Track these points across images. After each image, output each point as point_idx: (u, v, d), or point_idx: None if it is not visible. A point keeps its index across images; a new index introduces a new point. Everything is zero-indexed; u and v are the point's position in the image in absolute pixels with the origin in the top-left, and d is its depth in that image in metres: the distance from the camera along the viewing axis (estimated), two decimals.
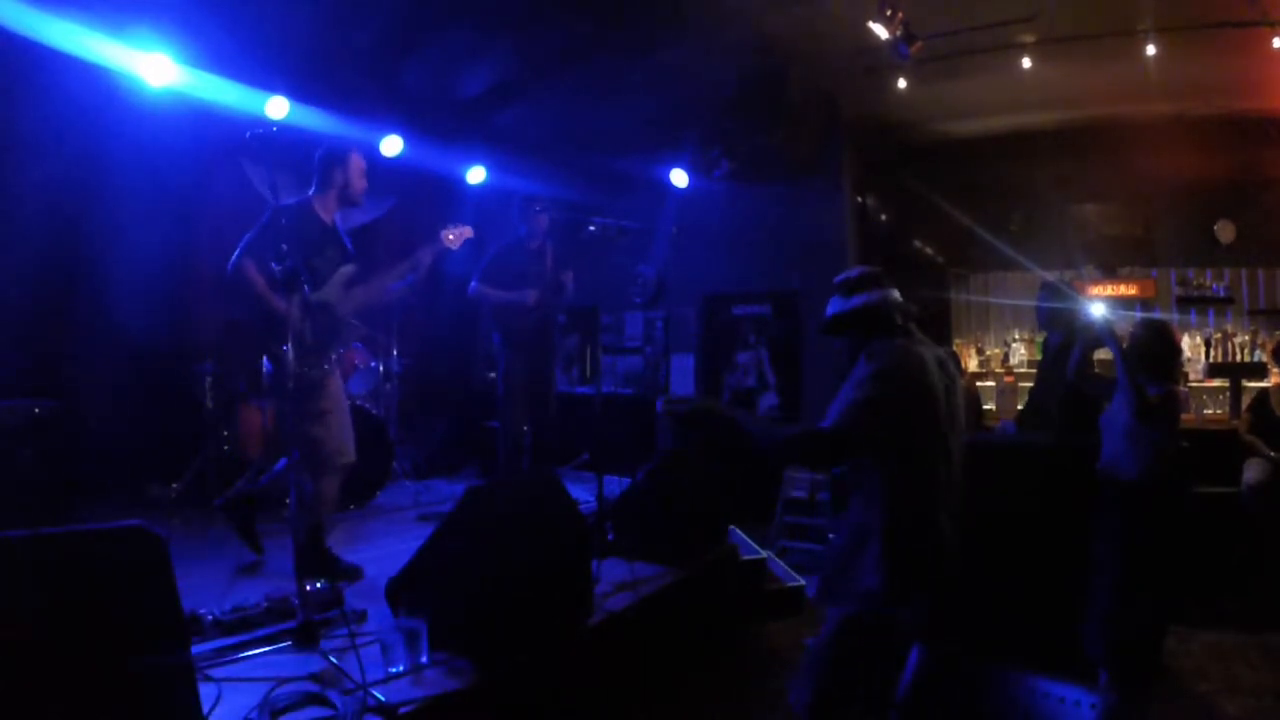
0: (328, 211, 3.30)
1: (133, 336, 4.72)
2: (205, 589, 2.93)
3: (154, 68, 3.92)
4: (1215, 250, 6.65)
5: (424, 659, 2.35)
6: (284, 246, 2.95)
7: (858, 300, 2.17)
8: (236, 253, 3.14)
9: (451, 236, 3.55)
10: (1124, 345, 3.21)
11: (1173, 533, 3.06)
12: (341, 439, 3.27)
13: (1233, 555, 4.31)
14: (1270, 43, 4.67)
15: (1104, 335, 3.33)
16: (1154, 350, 3.19)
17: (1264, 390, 5.14)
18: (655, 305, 7.44)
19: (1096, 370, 3.63)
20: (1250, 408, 5.00)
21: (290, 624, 2.53)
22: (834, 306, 2.23)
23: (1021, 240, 6.90)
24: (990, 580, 2.87)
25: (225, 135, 4.50)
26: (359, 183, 3.32)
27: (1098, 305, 3.65)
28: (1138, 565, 3.02)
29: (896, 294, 2.20)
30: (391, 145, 5.44)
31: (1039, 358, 5.13)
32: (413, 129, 5.52)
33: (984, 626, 2.75)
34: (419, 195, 6.49)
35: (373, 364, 5.63)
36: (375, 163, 5.60)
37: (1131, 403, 3.04)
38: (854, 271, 2.25)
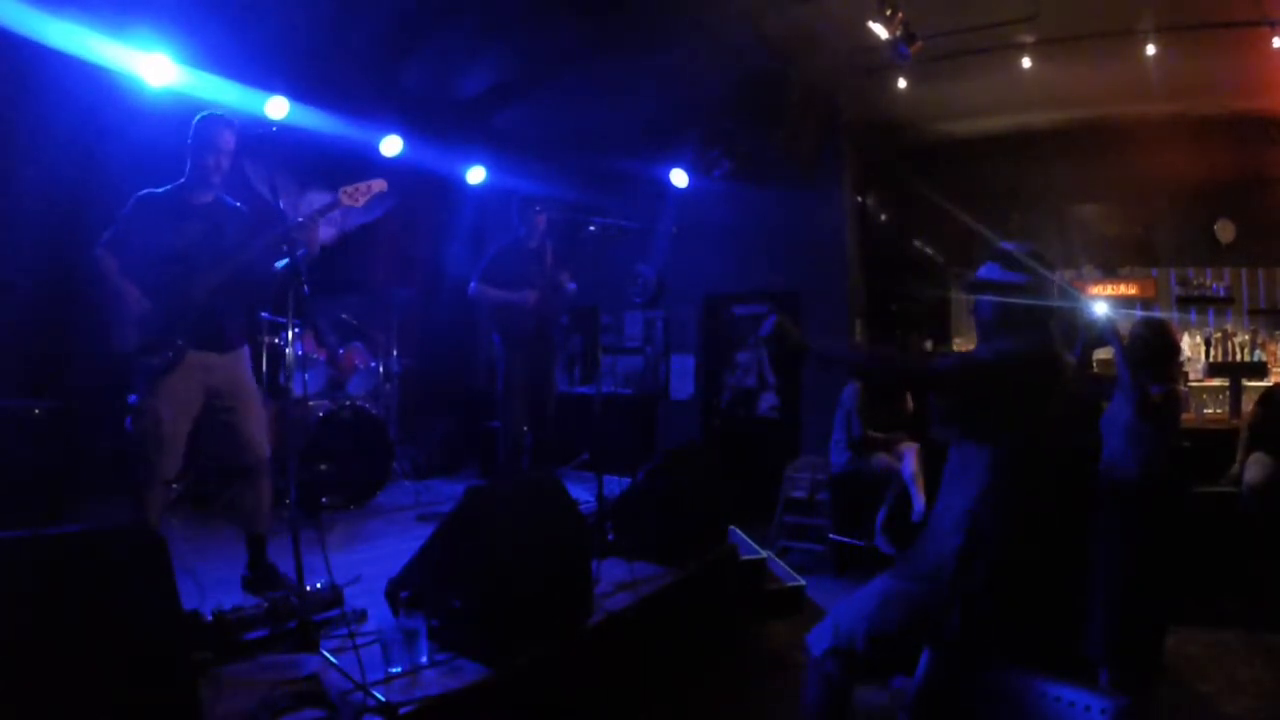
0: (201, 191, 3.09)
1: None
2: (205, 589, 2.93)
3: (154, 68, 3.92)
4: (1215, 250, 6.65)
5: (424, 659, 2.35)
6: (284, 247, 2.94)
7: (1015, 276, 2.13)
8: (97, 248, 3.02)
9: (349, 192, 3.12)
10: (1125, 344, 3.21)
11: (1173, 532, 3.06)
12: (150, 445, 2.92)
13: (1233, 555, 4.31)
14: (1270, 43, 4.68)
15: (1107, 334, 3.33)
16: (1154, 349, 3.19)
17: (1272, 387, 5.13)
18: (655, 305, 7.44)
19: (1095, 370, 3.63)
20: (1261, 401, 4.98)
21: (290, 624, 2.52)
22: (988, 271, 2.18)
23: (1021, 240, 6.89)
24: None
25: None
26: (208, 158, 3.05)
27: (1100, 304, 3.65)
28: (1138, 564, 3.02)
29: (1055, 282, 2.16)
30: (391, 145, 5.44)
31: None
32: (413, 129, 5.53)
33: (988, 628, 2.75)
34: (419, 195, 6.49)
35: (373, 364, 5.63)
36: (375, 163, 5.64)
37: (1133, 402, 3.04)
38: (1025, 246, 2.20)
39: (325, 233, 6.12)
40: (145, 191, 3.04)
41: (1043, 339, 2.08)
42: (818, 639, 2.13)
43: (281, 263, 3.08)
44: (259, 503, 3.17)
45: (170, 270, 2.98)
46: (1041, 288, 2.10)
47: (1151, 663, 3.13)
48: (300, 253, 3.05)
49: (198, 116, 3.07)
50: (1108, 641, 3.01)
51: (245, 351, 3.20)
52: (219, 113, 3.10)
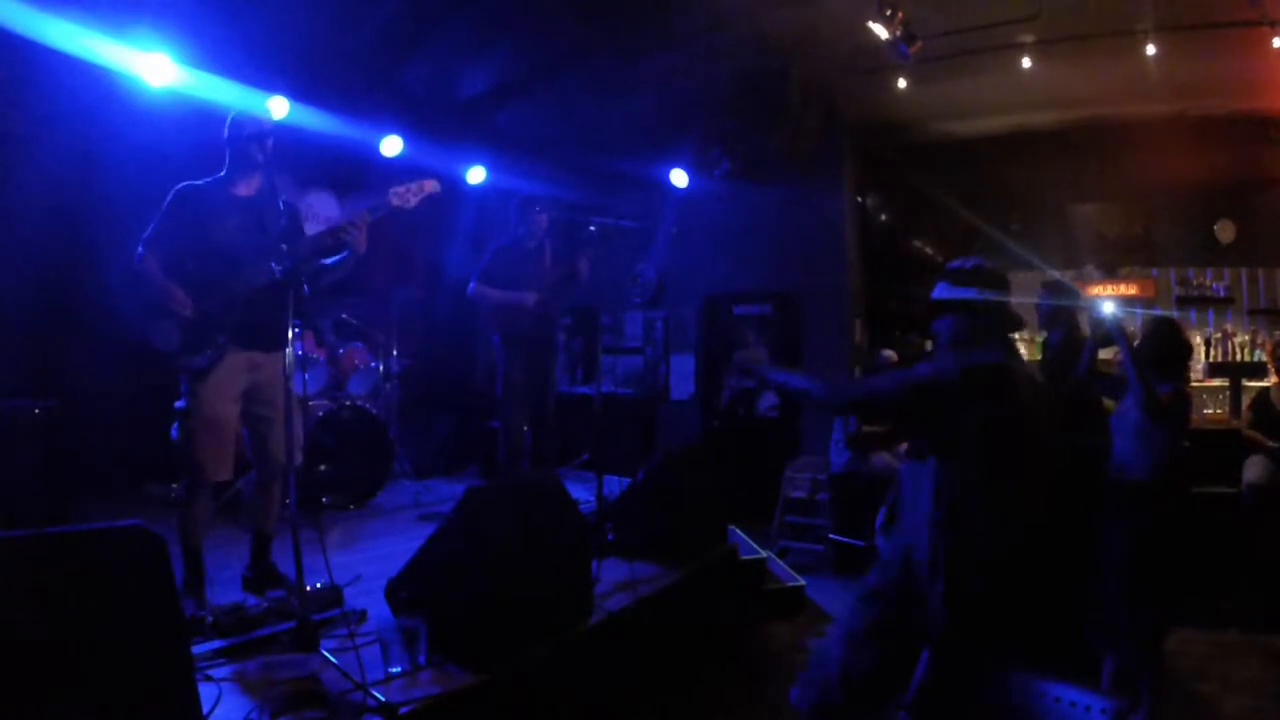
0: (242, 183, 3.01)
1: (133, 336, 4.73)
2: (205, 589, 2.93)
3: (154, 68, 3.92)
4: (1215, 250, 6.66)
5: (423, 659, 2.35)
6: (284, 247, 2.92)
7: (963, 293, 2.11)
8: (140, 247, 2.89)
9: (399, 192, 3.01)
10: (1133, 343, 3.19)
11: (1182, 531, 3.05)
12: (198, 448, 2.86)
13: (1233, 555, 4.31)
14: (1270, 43, 4.67)
15: (1114, 333, 3.31)
16: (1163, 348, 3.18)
17: (1264, 390, 5.15)
18: (655, 305, 7.44)
19: (1099, 369, 3.62)
20: (1251, 406, 5.01)
21: (290, 624, 2.52)
22: (940, 292, 2.18)
23: (1021, 240, 6.90)
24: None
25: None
26: (248, 147, 2.97)
27: (1108, 303, 3.63)
28: (1148, 564, 3.00)
29: (1006, 298, 2.13)
30: (391, 145, 5.44)
31: (1039, 357, 5.13)
32: (413, 129, 5.52)
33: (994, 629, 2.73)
34: None
35: (373, 364, 5.63)
36: (375, 163, 5.64)
37: (1141, 401, 3.03)
38: (969, 262, 2.18)
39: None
40: (185, 184, 2.95)
41: (998, 352, 2.07)
42: (802, 695, 2.10)
43: (332, 260, 3.03)
44: (270, 506, 3.11)
45: (212, 265, 2.90)
46: (987, 305, 2.09)
47: (1156, 662, 3.12)
48: (345, 254, 3.02)
49: (232, 113, 3.04)
50: (1118, 642, 2.99)
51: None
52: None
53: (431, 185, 3.08)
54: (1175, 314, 6.64)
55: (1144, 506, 3.03)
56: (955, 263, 2.19)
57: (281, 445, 2.93)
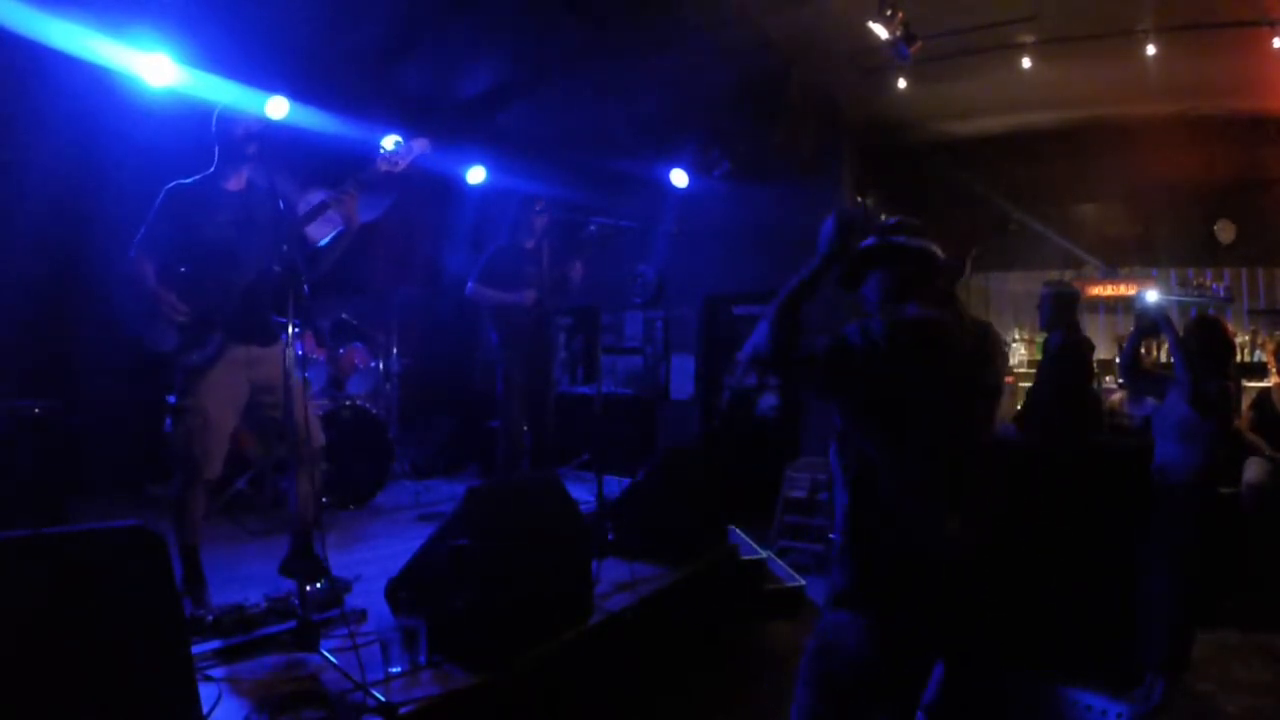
0: (232, 177, 2.98)
1: (131, 336, 4.73)
2: (205, 588, 2.93)
3: (154, 68, 3.92)
4: (1215, 250, 6.65)
5: (423, 659, 2.36)
6: (284, 247, 2.91)
7: (891, 240, 1.97)
8: (132, 249, 2.87)
9: (388, 155, 2.99)
10: (1179, 336, 3.16)
11: (1225, 532, 3.02)
12: (196, 445, 2.83)
13: (1233, 555, 4.31)
14: (1270, 43, 4.67)
15: (1160, 323, 3.27)
16: (1207, 346, 3.14)
17: (1265, 390, 5.15)
18: (655, 305, 7.44)
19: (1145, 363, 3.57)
20: (1252, 406, 5.01)
21: (290, 624, 2.53)
22: (868, 243, 2.05)
23: (1021, 240, 6.90)
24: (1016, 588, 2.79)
25: None
26: (236, 142, 2.94)
27: (1152, 293, 3.58)
28: (1199, 566, 2.97)
29: (911, 244, 1.98)
30: (392, 145, 5.43)
31: (1039, 358, 5.13)
32: (413, 129, 5.50)
33: (1012, 634, 2.65)
34: (418, 195, 6.49)
35: (373, 364, 5.63)
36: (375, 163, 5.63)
37: (1188, 394, 2.99)
38: (891, 219, 2.04)
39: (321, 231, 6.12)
40: (174, 184, 2.93)
41: (930, 307, 1.87)
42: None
43: (325, 240, 3.00)
44: (309, 493, 3.02)
45: (207, 263, 2.88)
46: (920, 249, 1.98)
47: (1182, 662, 3.09)
48: (339, 231, 2.99)
49: (219, 108, 3.01)
50: (1170, 645, 2.96)
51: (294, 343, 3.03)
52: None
53: (421, 145, 3.04)
54: (1175, 315, 6.64)
55: (1194, 508, 2.99)
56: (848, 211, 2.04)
57: (307, 432, 2.88)
